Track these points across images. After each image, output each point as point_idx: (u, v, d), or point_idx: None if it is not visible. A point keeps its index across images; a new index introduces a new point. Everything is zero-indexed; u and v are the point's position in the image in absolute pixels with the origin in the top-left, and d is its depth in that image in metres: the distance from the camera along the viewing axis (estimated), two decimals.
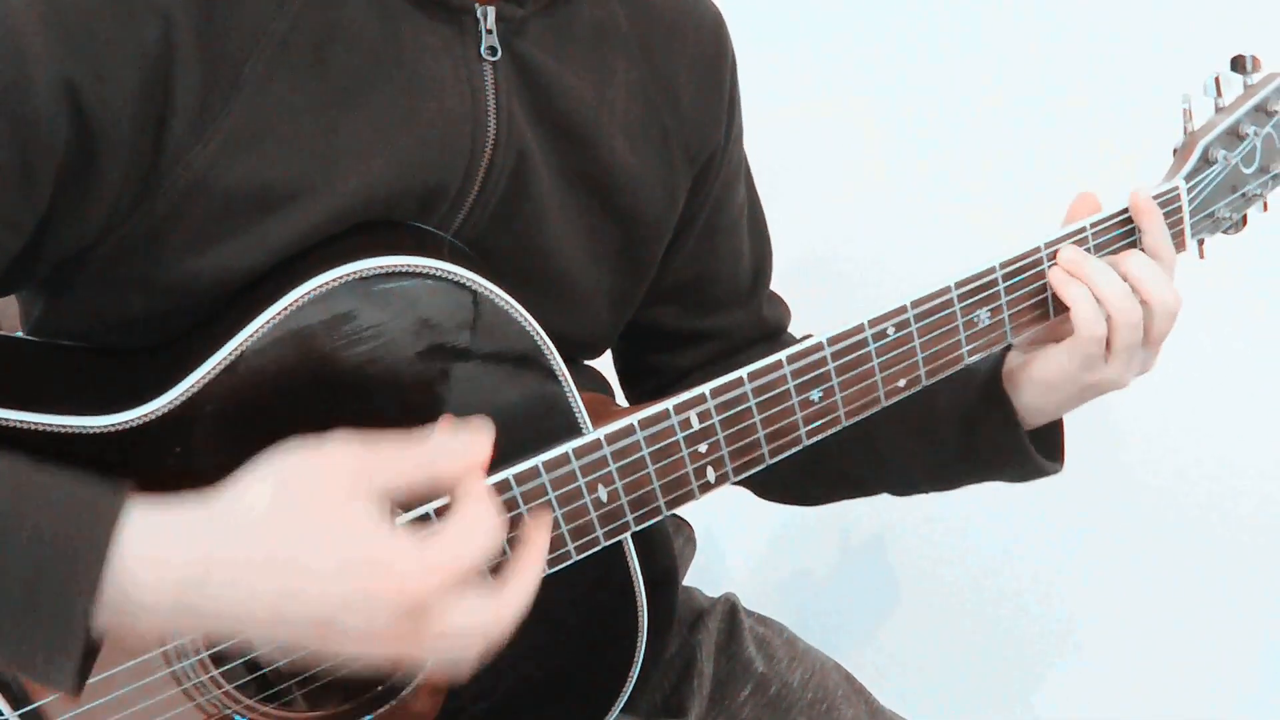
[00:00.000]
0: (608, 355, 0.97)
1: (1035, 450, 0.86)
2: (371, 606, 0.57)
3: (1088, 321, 0.80)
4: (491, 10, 0.75)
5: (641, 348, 0.99)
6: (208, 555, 0.57)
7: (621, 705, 0.82)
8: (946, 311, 0.79)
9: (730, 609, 0.99)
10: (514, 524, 0.70)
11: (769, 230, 1.00)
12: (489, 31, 0.75)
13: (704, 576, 1.05)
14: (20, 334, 0.81)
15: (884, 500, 1.59)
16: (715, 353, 0.98)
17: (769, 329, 1.00)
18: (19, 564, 0.56)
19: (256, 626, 0.58)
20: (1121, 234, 0.83)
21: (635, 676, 0.82)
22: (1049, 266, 0.82)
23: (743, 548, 1.61)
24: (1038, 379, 0.84)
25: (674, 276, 0.93)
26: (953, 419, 0.88)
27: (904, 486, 0.97)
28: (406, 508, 0.67)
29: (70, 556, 0.56)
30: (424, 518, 0.68)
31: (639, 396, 1.03)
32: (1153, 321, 0.81)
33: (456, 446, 0.61)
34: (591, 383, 0.91)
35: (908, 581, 1.64)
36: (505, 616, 0.61)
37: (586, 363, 0.92)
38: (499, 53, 0.76)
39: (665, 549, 0.84)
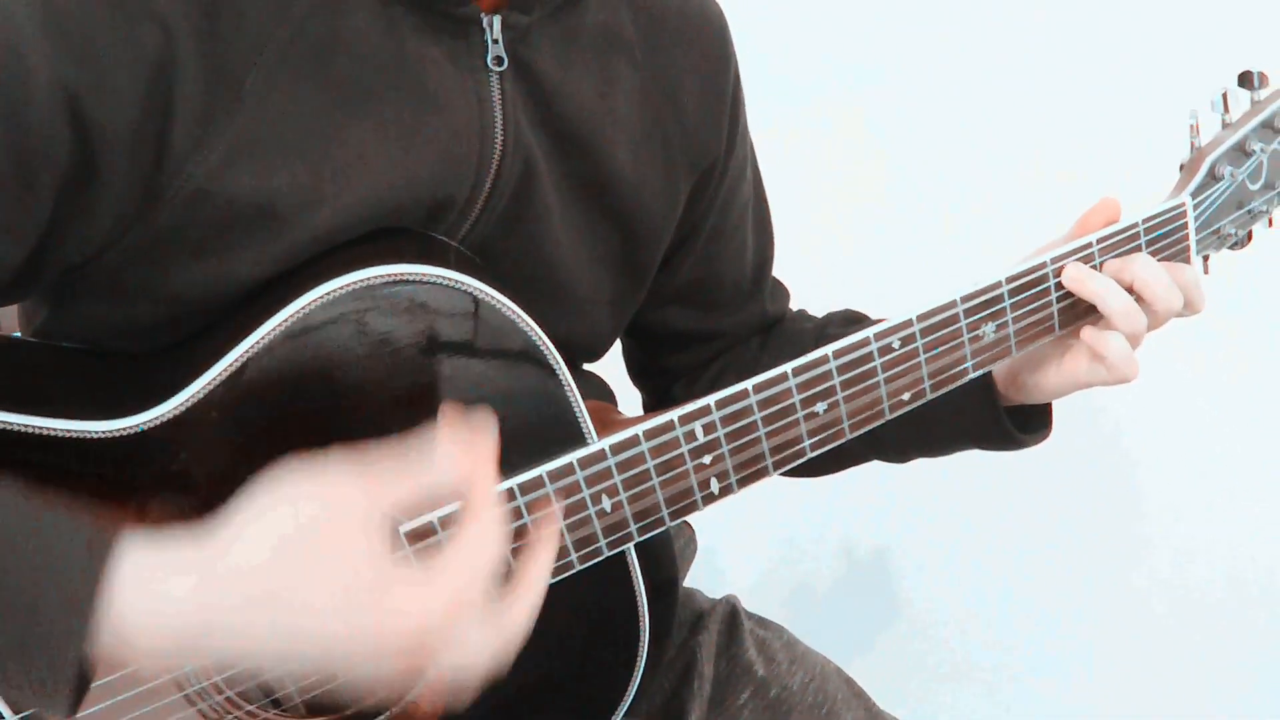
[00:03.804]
0: (610, 359, 0.97)
1: (1022, 429, 0.89)
2: (377, 644, 0.57)
3: (1124, 360, 0.81)
4: (498, 19, 0.74)
5: (650, 348, 1.01)
6: (206, 601, 0.56)
7: (623, 712, 0.83)
8: (952, 327, 0.79)
9: (730, 611, 0.99)
10: (519, 534, 0.70)
11: (772, 221, 1.01)
12: (495, 41, 0.75)
13: (705, 578, 1.06)
14: (19, 334, 0.81)
15: (885, 502, 1.61)
16: (721, 349, 1.00)
17: (770, 321, 1.02)
18: (10, 603, 0.55)
19: (262, 660, 0.58)
20: (1129, 250, 0.83)
21: (637, 683, 0.82)
22: (1057, 297, 0.82)
23: (744, 550, 1.61)
24: (1047, 389, 0.86)
25: (680, 280, 0.94)
26: (946, 417, 0.88)
27: (894, 458, 0.98)
28: (412, 515, 0.67)
29: (62, 600, 0.55)
30: (429, 527, 0.68)
31: (650, 392, 1.05)
32: (1155, 321, 0.83)
33: (458, 451, 0.60)
34: (595, 389, 0.92)
35: (908, 584, 1.65)
36: (510, 639, 0.61)
37: (589, 368, 0.93)
38: (505, 62, 0.75)
39: (667, 555, 0.85)
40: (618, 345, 0.98)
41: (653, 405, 1.05)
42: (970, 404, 0.87)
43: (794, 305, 1.05)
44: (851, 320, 0.97)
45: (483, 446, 0.61)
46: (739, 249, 0.97)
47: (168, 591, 0.56)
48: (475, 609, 0.59)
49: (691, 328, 0.98)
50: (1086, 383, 0.84)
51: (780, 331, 1.01)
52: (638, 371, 1.04)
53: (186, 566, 0.57)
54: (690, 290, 0.95)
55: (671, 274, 0.93)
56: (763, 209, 0.99)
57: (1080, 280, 0.81)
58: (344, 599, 0.57)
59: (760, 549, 1.64)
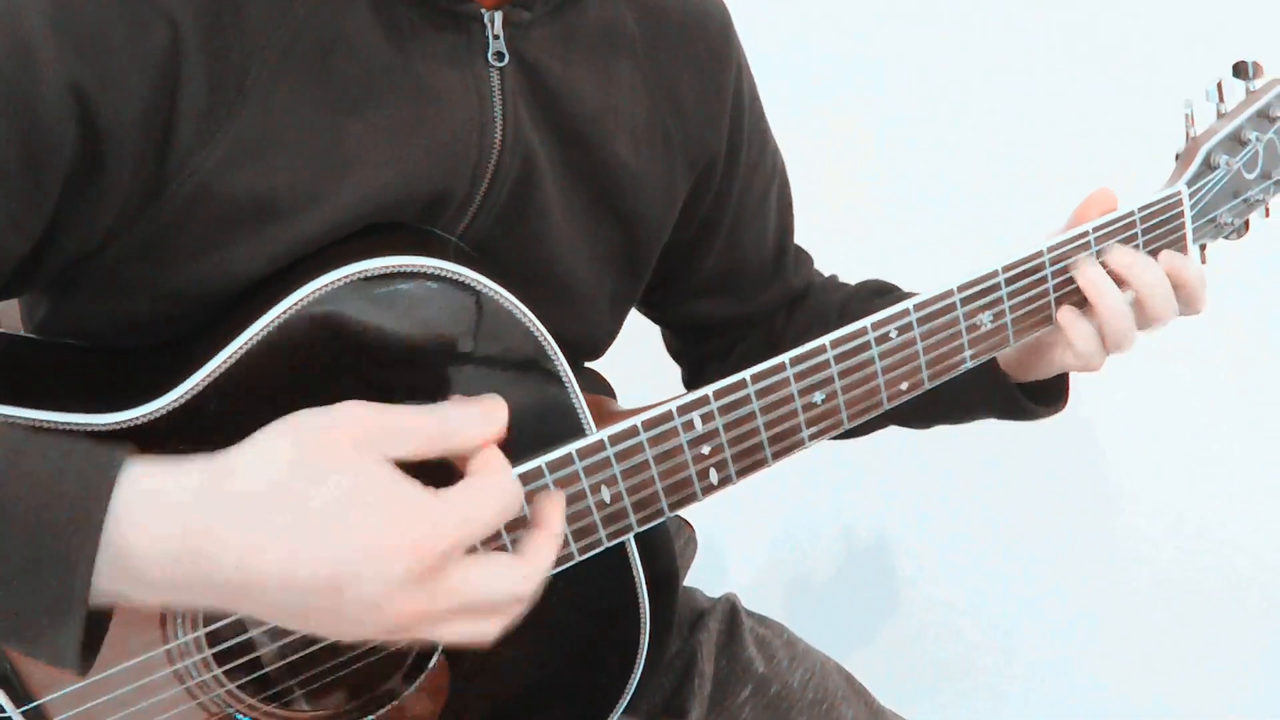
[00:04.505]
0: (612, 358, 0.97)
1: (1039, 402, 0.90)
2: (383, 562, 0.55)
3: (1089, 350, 0.82)
4: (499, 15, 0.75)
5: (682, 337, 1.04)
6: (207, 525, 0.56)
7: (622, 709, 0.82)
8: (949, 316, 0.79)
9: (730, 609, 0.99)
10: (520, 523, 0.70)
11: (791, 193, 1.01)
12: (496, 37, 0.75)
13: (705, 577, 1.06)
14: (21, 331, 0.81)
15: (884, 500, 1.61)
16: (749, 329, 1.02)
17: (798, 293, 1.03)
18: (16, 526, 0.55)
19: (261, 594, 0.56)
20: (1124, 240, 0.83)
21: (637, 679, 0.82)
22: (1054, 285, 0.83)
23: (744, 548, 1.62)
24: (1040, 373, 0.87)
25: (705, 273, 0.96)
26: (957, 397, 0.89)
27: (916, 426, 0.99)
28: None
29: (68, 519, 0.55)
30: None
31: (688, 370, 1.07)
32: (1145, 324, 0.84)
33: (471, 419, 0.60)
34: (594, 386, 0.92)
35: (908, 581, 1.65)
36: (525, 588, 0.60)
37: (589, 366, 0.93)
38: (506, 58, 0.76)
39: (667, 551, 0.85)
40: (619, 343, 0.98)
41: (690, 382, 1.07)
42: (981, 382, 0.88)
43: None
44: (879, 292, 0.98)
45: (495, 419, 0.61)
46: (760, 233, 0.98)
47: (170, 498, 0.56)
48: (486, 552, 0.58)
49: (720, 315, 1.00)
50: (1061, 366, 0.85)
51: (806, 306, 1.02)
52: (673, 353, 1.08)
53: (189, 477, 0.57)
54: (716, 281, 0.97)
55: (696, 269, 0.95)
56: (785, 190, 1.00)
57: (1096, 287, 0.82)
58: (350, 518, 0.55)
59: (760, 547, 1.64)
